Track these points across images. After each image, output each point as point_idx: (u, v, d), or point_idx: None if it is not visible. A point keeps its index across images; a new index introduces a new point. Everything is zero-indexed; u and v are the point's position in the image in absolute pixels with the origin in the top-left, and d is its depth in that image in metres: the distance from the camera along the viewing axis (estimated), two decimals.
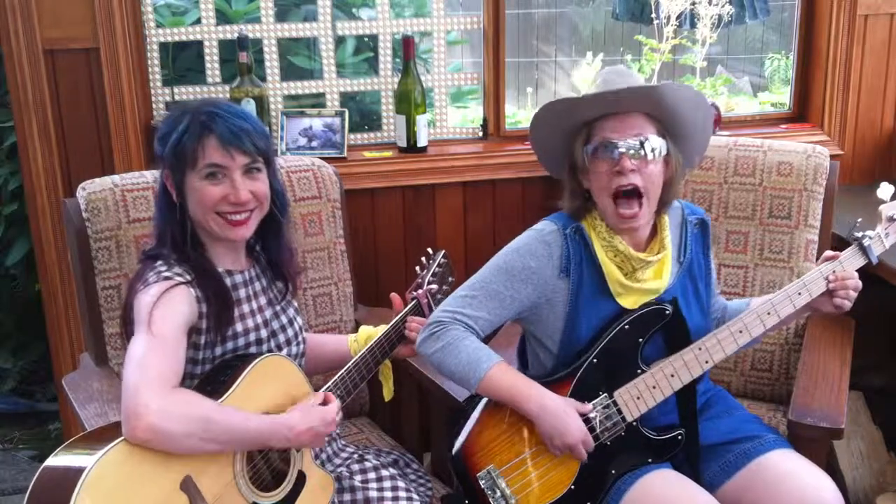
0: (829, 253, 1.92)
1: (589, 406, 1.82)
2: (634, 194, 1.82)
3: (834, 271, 1.87)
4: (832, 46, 2.86)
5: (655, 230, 1.92)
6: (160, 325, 1.60)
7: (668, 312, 1.85)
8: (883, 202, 2.00)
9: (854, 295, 1.88)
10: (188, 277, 1.68)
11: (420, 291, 2.01)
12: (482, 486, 1.82)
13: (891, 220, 1.93)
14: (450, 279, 2.10)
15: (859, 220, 1.95)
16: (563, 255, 1.87)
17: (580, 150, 1.85)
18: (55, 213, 2.57)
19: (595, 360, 1.85)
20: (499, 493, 1.81)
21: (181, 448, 1.51)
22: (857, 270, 1.90)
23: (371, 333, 1.98)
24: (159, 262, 1.70)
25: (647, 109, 1.82)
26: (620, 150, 1.80)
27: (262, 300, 1.84)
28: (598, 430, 1.82)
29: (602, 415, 1.82)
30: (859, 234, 1.90)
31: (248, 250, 1.84)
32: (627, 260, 1.86)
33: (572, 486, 1.82)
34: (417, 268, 2.07)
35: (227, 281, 1.76)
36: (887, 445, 2.68)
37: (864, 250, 1.89)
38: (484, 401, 1.89)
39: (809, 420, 1.88)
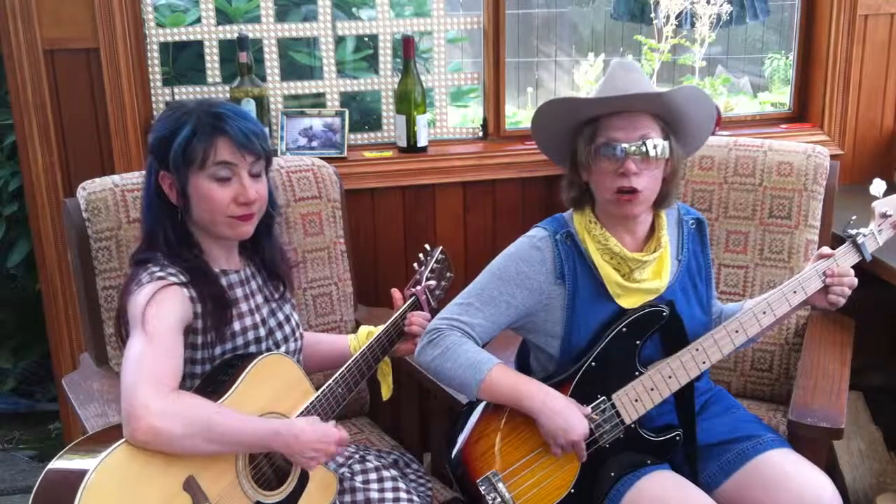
0: (823, 250, 1.91)
1: (587, 409, 1.82)
2: (632, 194, 1.81)
3: (830, 268, 1.87)
4: (832, 46, 2.86)
5: (653, 228, 1.92)
6: (154, 323, 1.60)
7: (665, 314, 1.84)
8: (876, 198, 1.99)
9: (849, 292, 1.87)
10: (182, 279, 1.68)
11: (418, 288, 2.01)
12: (483, 492, 1.81)
13: (883, 216, 1.92)
14: (448, 275, 2.10)
15: (853, 217, 1.94)
16: (555, 261, 1.87)
17: (584, 147, 1.84)
18: (55, 213, 2.57)
19: (594, 364, 1.84)
20: (500, 499, 1.80)
21: (182, 449, 1.52)
22: (853, 268, 1.89)
23: (371, 331, 1.99)
24: (151, 264, 1.70)
25: (654, 111, 1.82)
26: (625, 151, 1.78)
27: (259, 299, 1.84)
28: (596, 434, 1.82)
29: (600, 418, 1.82)
30: (853, 232, 1.90)
31: (240, 249, 1.84)
32: (624, 261, 1.85)
33: (572, 490, 1.82)
34: (415, 265, 2.07)
35: (223, 281, 1.77)
36: (887, 445, 2.68)
37: (858, 247, 1.88)
38: (482, 406, 1.88)
39: (809, 420, 1.87)
